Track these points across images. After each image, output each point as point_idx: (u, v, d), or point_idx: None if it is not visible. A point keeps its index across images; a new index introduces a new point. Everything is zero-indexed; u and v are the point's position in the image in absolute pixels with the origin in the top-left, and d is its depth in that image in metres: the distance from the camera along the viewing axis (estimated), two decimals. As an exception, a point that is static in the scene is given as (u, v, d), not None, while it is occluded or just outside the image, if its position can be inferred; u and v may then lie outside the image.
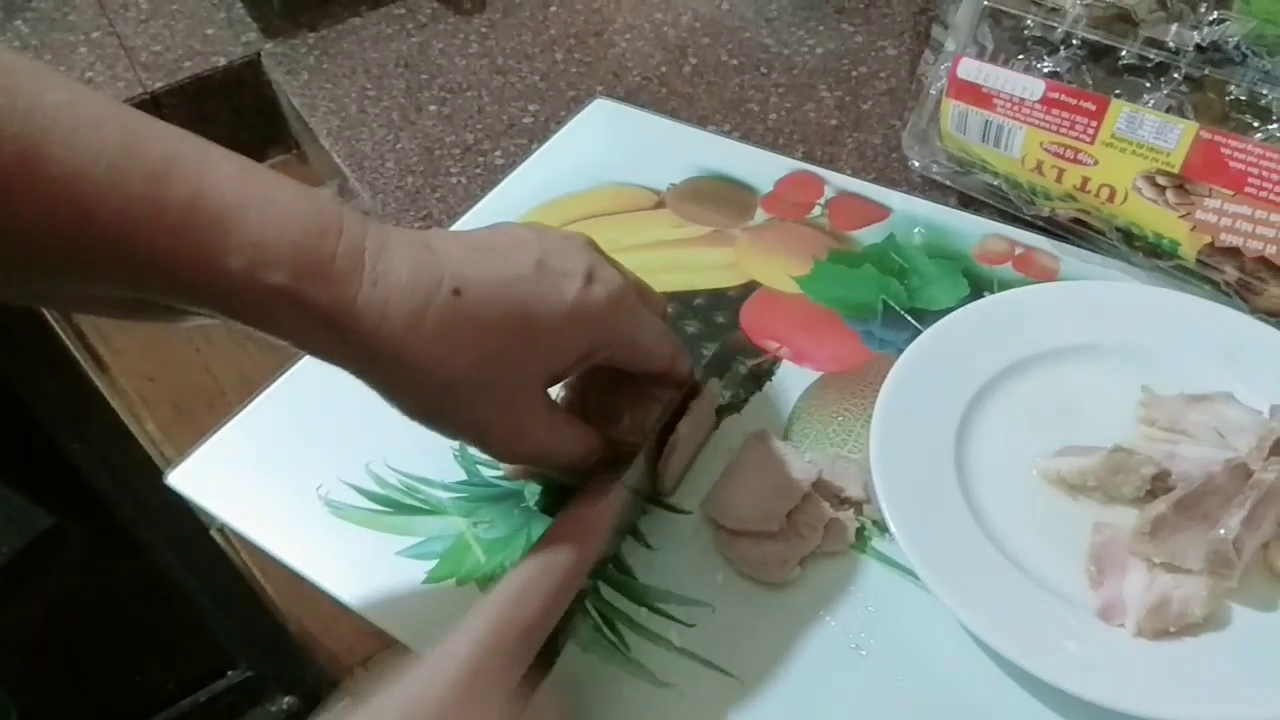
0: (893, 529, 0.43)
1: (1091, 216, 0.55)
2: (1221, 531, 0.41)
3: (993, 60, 0.57)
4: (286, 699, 1.27)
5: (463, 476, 0.50)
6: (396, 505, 0.49)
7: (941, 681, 0.42)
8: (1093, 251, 0.57)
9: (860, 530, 0.46)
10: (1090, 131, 0.53)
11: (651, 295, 0.45)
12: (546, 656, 0.39)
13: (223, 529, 1.09)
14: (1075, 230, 0.58)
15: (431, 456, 0.51)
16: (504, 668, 0.35)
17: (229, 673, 1.25)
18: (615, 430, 0.45)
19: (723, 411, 0.51)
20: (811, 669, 0.42)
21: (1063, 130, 0.53)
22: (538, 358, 0.39)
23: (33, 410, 0.92)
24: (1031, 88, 0.54)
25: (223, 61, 0.79)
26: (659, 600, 0.45)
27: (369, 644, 1.29)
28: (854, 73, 0.73)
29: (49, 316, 0.83)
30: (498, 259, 0.38)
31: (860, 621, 0.43)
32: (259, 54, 0.80)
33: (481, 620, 0.36)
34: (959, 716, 0.41)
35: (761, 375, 0.53)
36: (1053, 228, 0.58)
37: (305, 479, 0.50)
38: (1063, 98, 0.53)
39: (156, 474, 0.98)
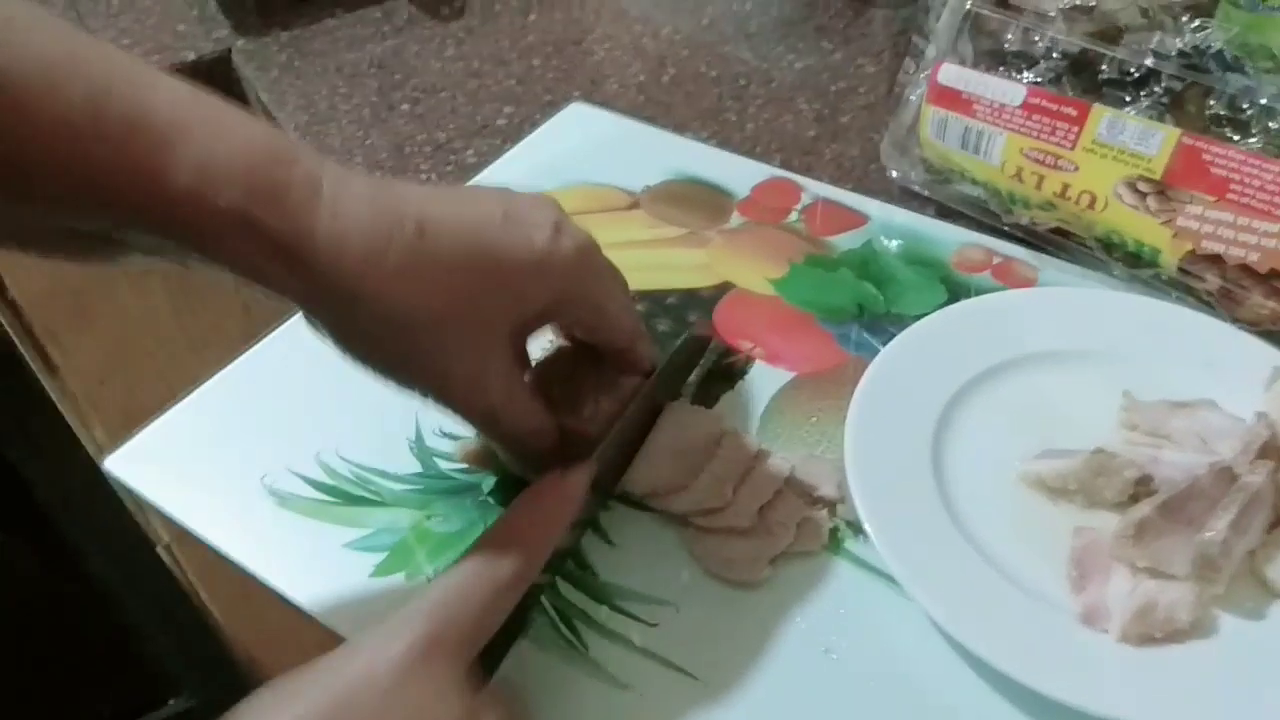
0: (869, 530, 0.41)
1: (1071, 225, 0.55)
2: (1208, 534, 0.39)
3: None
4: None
5: (417, 469, 0.47)
6: (346, 496, 0.46)
7: (914, 686, 0.39)
8: (1071, 262, 0.56)
9: (834, 531, 0.44)
10: (1071, 137, 0.52)
11: (616, 270, 0.43)
12: (494, 654, 0.36)
13: (169, 546, 1.05)
14: (1054, 241, 0.57)
15: (385, 447, 0.48)
16: (445, 662, 0.32)
17: (170, 701, 1.19)
18: (576, 419, 0.43)
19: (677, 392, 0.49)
20: (779, 671, 0.40)
21: (1043, 136, 0.53)
22: (503, 304, 0.37)
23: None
24: (1013, 93, 0.54)
25: (192, 56, 0.78)
26: (620, 598, 0.42)
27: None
28: (833, 88, 0.72)
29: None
30: (464, 204, 0.36)
31: (831, 623, 0.41)
32: (230, 50, 0.78)
33: (421, 612, 0.33)
34: (925, 713, 0.38)
35: (734, 374, 0.51)
36: (1031, 238, 0.57)
37: (251, 468, 0.48)
38: (1044, 103, 0.53)
39: (101, 482, 0.94)
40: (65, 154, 0.29)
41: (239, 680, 1.19)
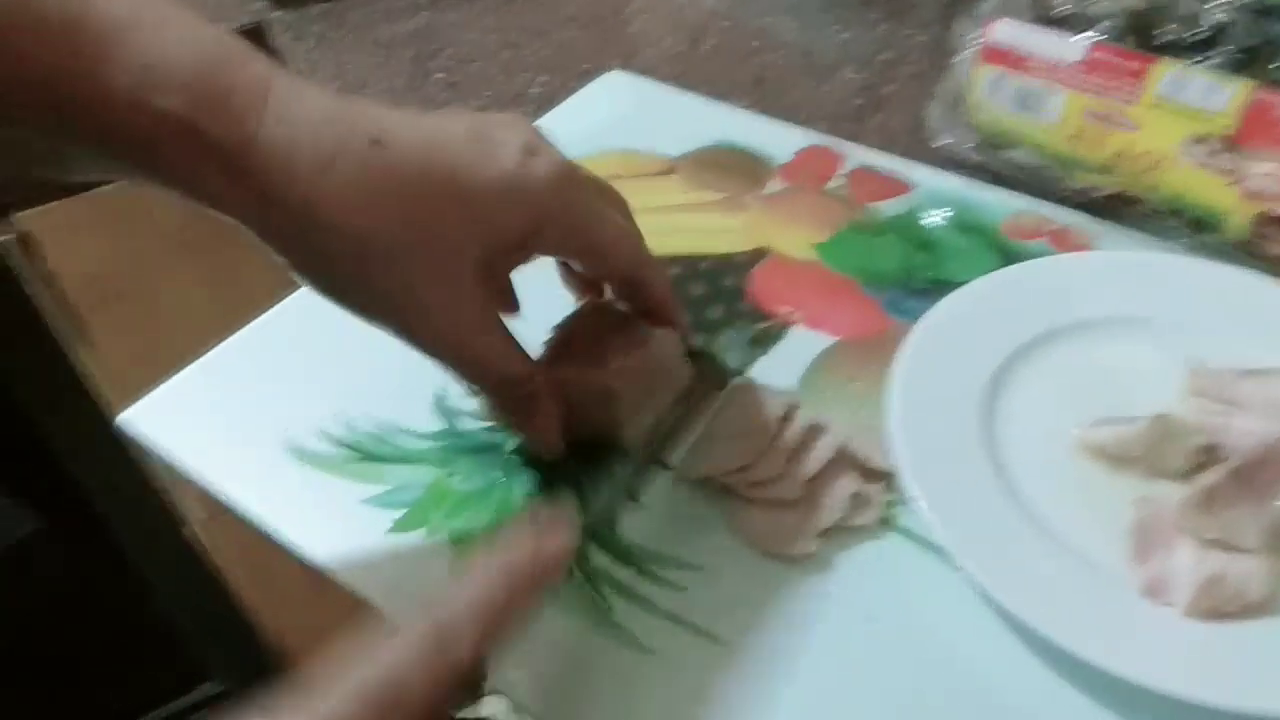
0: (915, 497, 0.39)
1: (1132, 189, 0.52)
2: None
3: (1028, 28, 0.54)
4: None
5: (440, 426, 0.46)
6: (366, 452, 0.45)
7: (958, 659, 0.37)
8: (1132, 229, 0.53)
9: (888, 505, 0.42)
10: (1132, 94, 0.49)
11: (610, 192, 0.41)
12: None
13: (198, 528, 1.04)
14: (1112, 208, 0.54)
15: (408, 405, 0.46)
16: None
17: (200, 686, 1.19)
18: (604, 371, 0.41)
19: (723, 378, 0.47)
20: (812, 639, 0.37)
21: (1104, 93, 0.50)
22: (469, 230, 0.34)
23: (11, 393, 0.89)
24: (1071, 48, 0.51)
25: (230, 26, 0.77)
26: (647, 561, 0.40)
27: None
28: (879, 57, 0.70)
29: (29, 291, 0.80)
30: (426, 121, 0.34)
31: (874, 595, 0.39)
32: (266, 21, 0.78)
33: (345, 709, 0.26)
34: (977, 699, 0.36)
35: (769, 338, 0.49)
36: (1088, 206, 0.54)
37: (270, 424, 0.46)
38: (1105, 58, 0.50)
39: (132, 461, 0.93)
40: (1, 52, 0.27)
41: (269, 665, 1.18)
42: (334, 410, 0.47)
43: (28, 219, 0.74)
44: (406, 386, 0.47)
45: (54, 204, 0.74)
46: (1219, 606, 0.35)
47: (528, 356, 0.39)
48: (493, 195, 0.35)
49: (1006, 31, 0.53)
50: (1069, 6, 0.56)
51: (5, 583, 1.11)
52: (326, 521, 0.42)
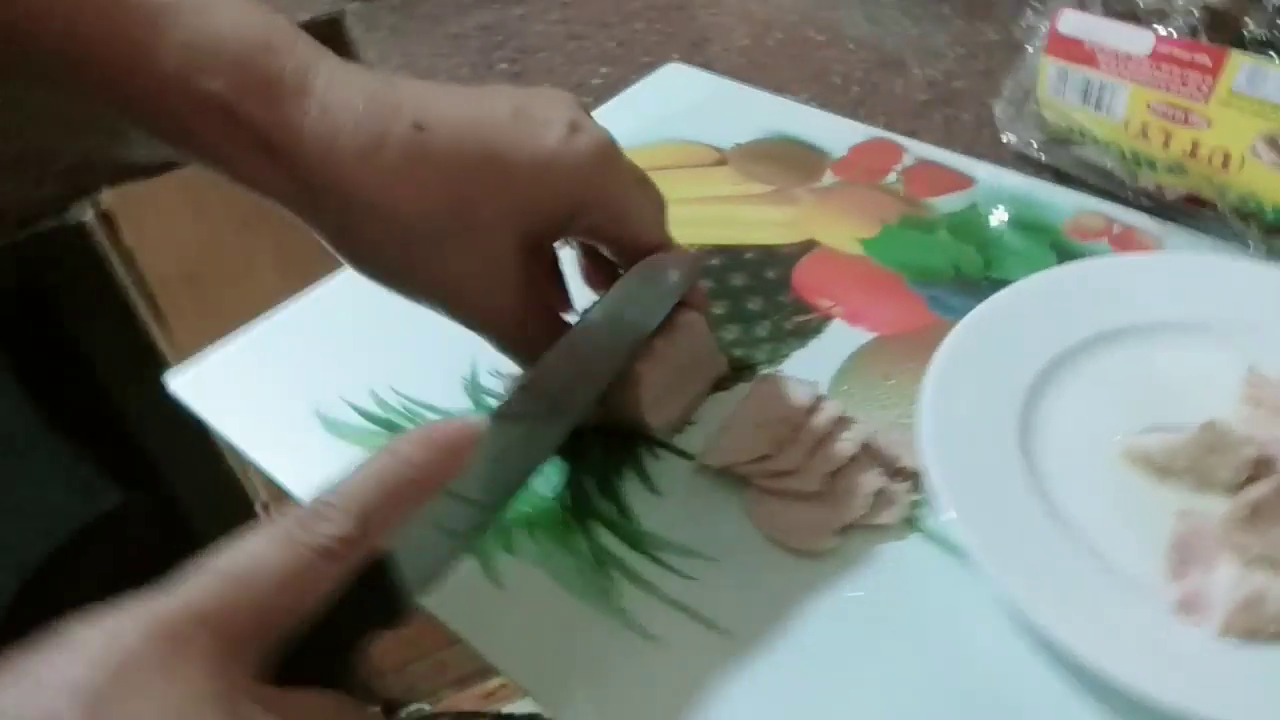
0: (940, 497, 0.37)
1: (1202, 190, 0.49)
2: (1337, 522, 0.34)
3: (1099, 20, 0.51)
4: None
5: (468, 406, 0.46)
6: (394, 427, 0.45)
7: (974, 665, 0.35)
8: (1202, 233, 0.50)
9: (914, 505, 0.40)
10: (1204, 89, 0.46)
11: (647, 181, 0.40)
12: (326, 644, 0.28)
13: (266, 505, 1.07)
14: (1186, 211, 0.51)
15: (439, 384, 0.47)
16: (199, 665, 0.24)
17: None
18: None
19: (754, 367, 0.46)
20: (822, 636, 0.36)
21: (1173, 88, 0.47)
22: (511, 209, 0.34)
23: (93, 369, 0.92)
24: (1139, 41, 0.48)
25: (307, 16, 0.79)
26: (659, 549, 0.39)
27: (403, 651, 1.25)
28: (950, 54, 0.68)
29: (110, 269, 0.84)
30: (470, 101, 0.34)
31: (891, 597, 0.37)
32: (343, 12, 0.80)
33: (179, 596, 0.25)
34: (989, 709, 0.34)
35: (808, 331, 0.48)
36: (1160, 208, 0.52)
37: (307, 396, 0.47)
38: (1174, 52, 0.47)
39: (206, 439, 0.97)
40: (58, 31, 0.28)
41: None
42: (368, 384, 0.47)
43: (110, 197, 0.77)
44: (439, 366, 0.47)
45: (136, 183, 0.77)
46: (1257, 628, 0.33)
47: (563, 324, 0.39)
48: (536, 172, 0.35)
49: (1073, 23, 0.51)
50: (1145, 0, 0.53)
51: (96, 552, 1.16)
52: (348, 492, 0.43)
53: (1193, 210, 0.50)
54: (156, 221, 0.80)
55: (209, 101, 0.30)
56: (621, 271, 0.41)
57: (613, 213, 0.37)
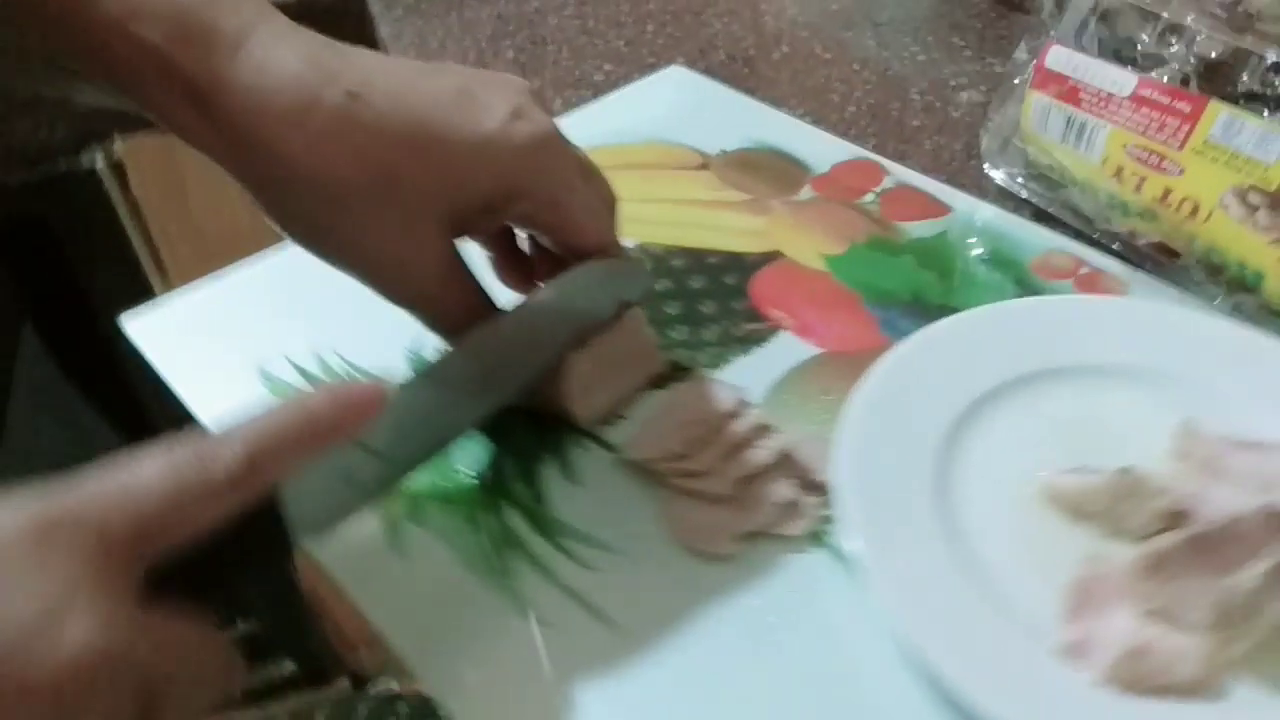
0: (844, 517, 0.37)
1: (1171, 239, 0.48)
2: (1237, 581, 0.33)
3: (1090, 59, 0.51)
4: (287, 662, 1.23)
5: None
6: (330, 391, 0.46)
7: (857, 691, 0.35)
8: (1170, 284, 0.49)
9: (823, 520, 0.40)
10: (1181, 135, 0.46)
11: (595, 175, 0.40)
12: (205, 573, 0.28)
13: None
14: (1155, 260, 0.50)
15: (383, 353, 0.47)
16: (63, 552, 0.24)
17: (236, 623, 1.23)
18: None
19: (695, 369, 0.46)
20: (709, 640, 0.36)
21: (1150, 132, 0.47)
22: (438, 189, 0.34)
23: (97, 319, 0.94)
24: (1123, 81, 0.48)
25: (329, -10, 0.81)
26: (564, 536, 0.39)
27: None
28: (952, 82, 0.67)
29: (118, 209, 0.85)
30: (416, 77, 0.34)
31: (784, 609, 0.37)
32: (366, -11, 0.81)
33: (62, 489, 0.25)
34: (864, 730, 0.34)
35: (752, 340, 0.48)
36: (1131, 255, 0.51)
37: (255, 352, 0.48)
38: (1155, 95, 0.47)
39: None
40: None
41: (302, 615, 1.22)
42: (314, 347, 0.48)
43: (122, 146, 0.79)
44: (386, 336, 0.47)
45: (149, 134, 0.79)
46: (1138, 680, 0.32)
47: (495, 309, 0.39)
48: (467, 155, 0.35)
49: (1060, 59, 0.50)
50: (1146, 43, 0.52)
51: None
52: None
53: (1163, 259, 0.50)
54: (165, 175, 0.82)
55: (144, 49, 0.31)
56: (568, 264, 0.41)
57: (548, 202, 0.37)
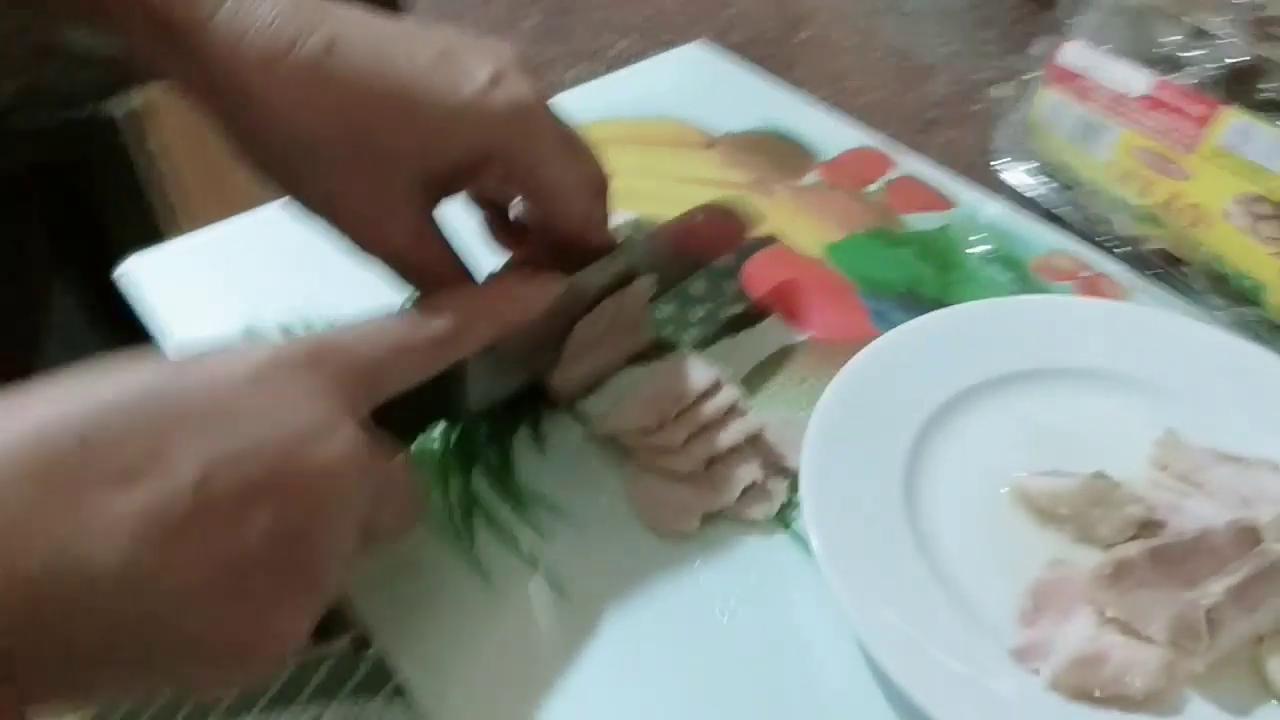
0: (803, 499, 0.36)
1: (1175, 246, 0.47)
2: (1198, 595, 0.32)
3: (1108, 58, 0.50)
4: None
5: (390, 338, 0.46)
6: (313, 346, 0.46)
7: (805, 676, 0.34)
8: (1173, 293, 0.48)
9: (790, 505, 0.39)
10: (1191, 140, 0.45)
11: (583, 152, 0.40)
12: (403, 425, 0.35)
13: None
14: (1160, 267, 0.49)
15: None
16: (324, 382, 0.29)
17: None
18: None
19: (678, 347, 0.45)
20: (659, 615, 0.36)
21: (1160, 135, 0.46)
22: (410, 149, 0.34)
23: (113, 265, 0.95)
24: (1137, 81, 0.47)
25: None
26: (528, 502, 0.39)
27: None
28: (974, 76, 0.66)
29: (137, 159, 0.86)
30: (397, 34, 0.34)
31: (743, 591, 0.37)
32: (395, -49, 0.81)
33: (316, 334, 0.31)
34: (805, 713, 0.33)
35: (740, 322, 0.47)
36: (1136, 261, 0.50)
37: (242, 308, 0.48)
38: (1169, 98, 0.46)
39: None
40: None
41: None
42: (302, 308, 0.48)
43: (142, 97, 0.80)
44: (374, 300, 0.47)
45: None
46: (1086, 688, 0.32)
47: (468, 275, 0.39)
48: (441, 117, 0.34)
49: (1075, 55, 0.49)
50: (1174, 44, 0.51)
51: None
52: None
53: (1168, 267, 0.48)
54: (185, 126, 0.82)
55: None
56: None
57: (523, 171, 0.37)
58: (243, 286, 0.49)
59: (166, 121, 0.82)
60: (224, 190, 0.89)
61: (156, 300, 0.48)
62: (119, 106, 0.80)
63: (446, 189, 0.37)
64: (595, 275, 0.41)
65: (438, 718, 0.33)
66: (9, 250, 0.96)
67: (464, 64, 0.34)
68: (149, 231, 0.91)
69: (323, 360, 0.29)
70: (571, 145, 0.39)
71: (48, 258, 0.99)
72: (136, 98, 0.80)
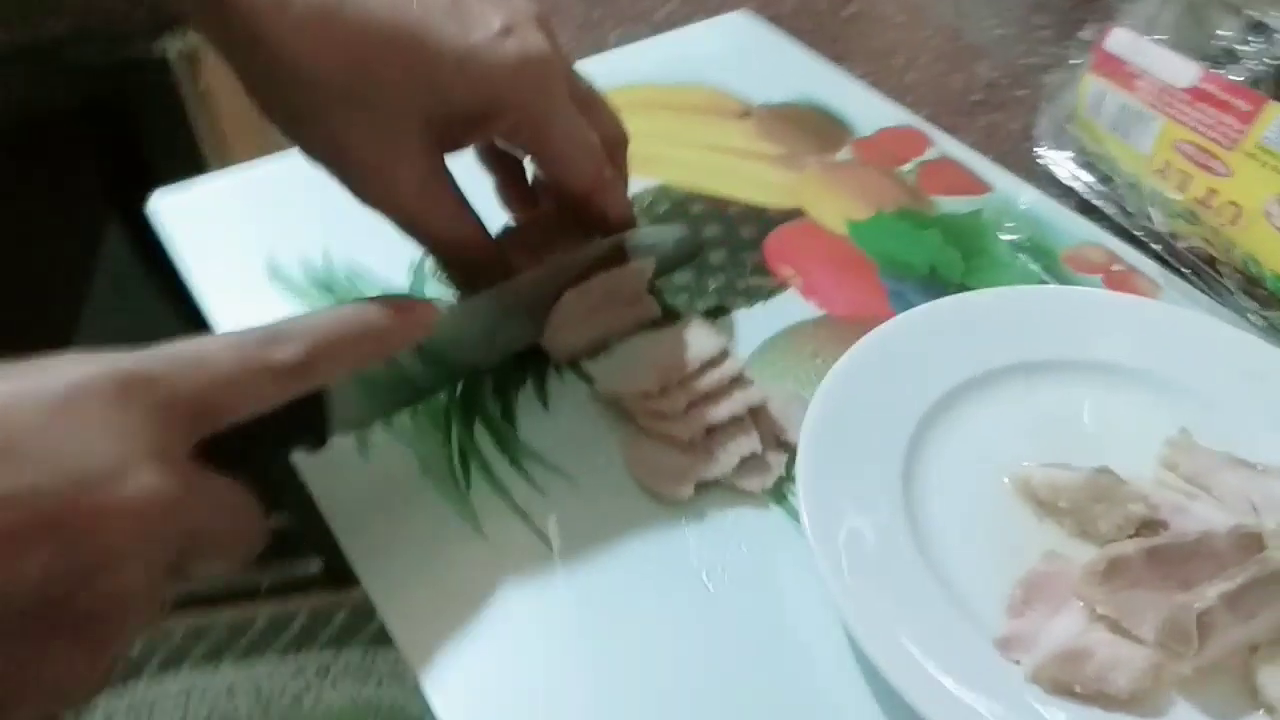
0: (801, 482, 0.36)
1: (1211, 244, 0.46)
2: (1191, 598, 0.32)
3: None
4: (314, 561, 1.27)
5: (404, 290, 0.47)
6: (331, 289, 0.46)
7: (788, 648, 0.34)
8: (1206, 292, 0.47)
9: (784, 479, 0.39)
10: (1234, 135, 0.43)
11: (599, 110, 0.39)
12: (251, 449, 0.31)
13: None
14: (1197, 268, 0.47)
15: (388, 260, 0.47)
16: (138, 410, 0.26)
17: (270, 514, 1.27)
18: (536, 265, 0.40)
19: (683, 315, 0.45)
20: (643, 578, 0.36)
21: (1202, 128, 0.44)
22: (417, 94, 0.34)
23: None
24: (1184, 72, 0.45)
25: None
26: (524, 458, 0.39)
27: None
28: (1023, 61, 0.64)
29: (187, 98, 0.87)
30: None
31: (730, 560, 0.36)
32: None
33: (139, 354, 0.27)
34: (791, 685, 0.33)
35: (756, 294, 0.47)
36: (1173, 258, 0.48)
37: (268, 244, 0.48)
38: (1215, 91, 0.44)
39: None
40: None
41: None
42: (323, 245, 0.48)
43: (195, 36, 0.81)
44: (396, 242, 0.48)
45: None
46: (1067, 683, 0.31)
47: (480, 224, 0.39)
48: (449, 65, 0.34)
49: (1122, 42, 0.48)
50: (1231, 37, 0.49)
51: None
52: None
53: (1203, 266, 0.47)
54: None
55: None
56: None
57: (531, 125, 0.37)
58: (267, 226, 0.49)
59: (216, 62, 0.82)
60: (269, 132, 0.90)
61: (182, 237, 0.49)
62: (170, 46, 0.81)
63: (455, 140, 0.37)
64: (580, 252, 0.41)
65: (416, 660, 0.34)
66: (62, 185, 0.98)
67: (476, 12, 0.34)
68: (195, 170, 0.92)
69: (137, 390, 0.26)
70: (588, 103, 0.39)
71: (99, 194, 1.01)
72: (188, 38, 0.80)
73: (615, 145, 0.40)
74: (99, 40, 0.82)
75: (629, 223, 0.41)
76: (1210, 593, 0.32)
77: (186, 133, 0.88)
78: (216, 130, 0.88)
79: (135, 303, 0.97)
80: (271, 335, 0.30)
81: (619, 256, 0.42)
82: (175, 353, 0.28)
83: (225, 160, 0.91)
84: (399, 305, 0.33)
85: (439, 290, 0.46)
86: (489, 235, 0.39)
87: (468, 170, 0.39)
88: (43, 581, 0.24)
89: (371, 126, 0.34)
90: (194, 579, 0.29)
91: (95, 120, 0.94)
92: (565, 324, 0.41)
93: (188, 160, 0.91)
